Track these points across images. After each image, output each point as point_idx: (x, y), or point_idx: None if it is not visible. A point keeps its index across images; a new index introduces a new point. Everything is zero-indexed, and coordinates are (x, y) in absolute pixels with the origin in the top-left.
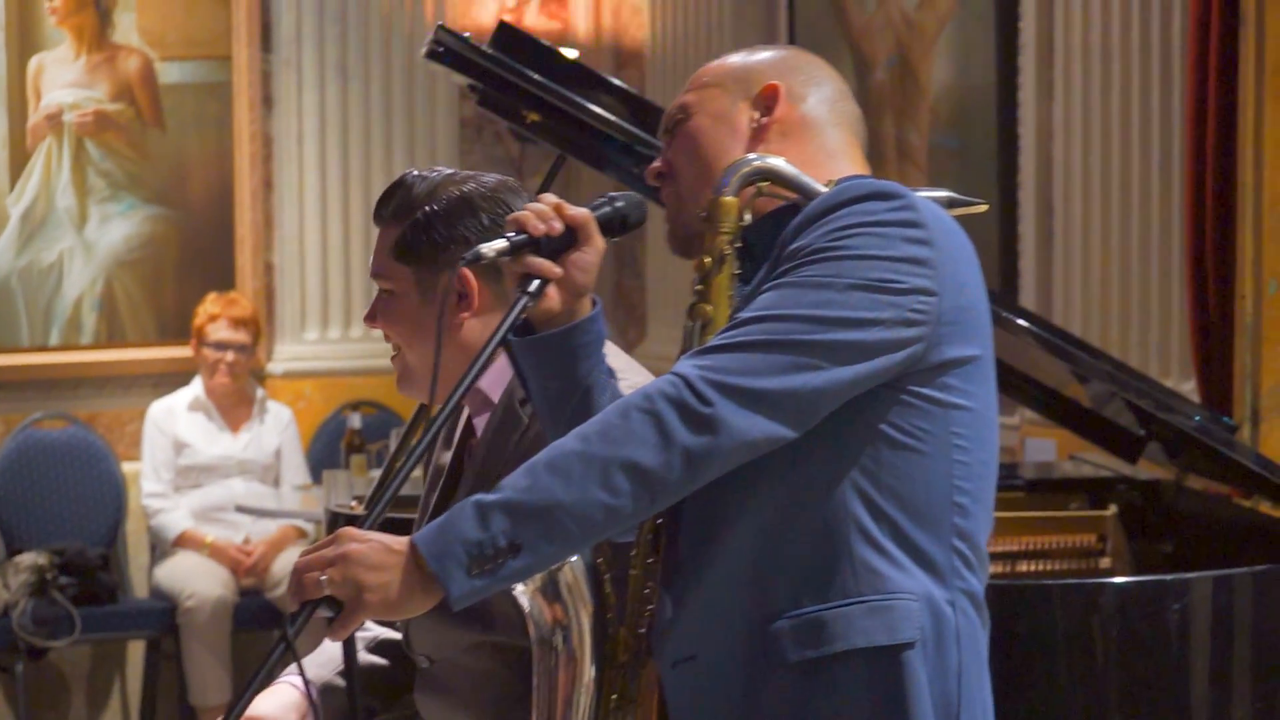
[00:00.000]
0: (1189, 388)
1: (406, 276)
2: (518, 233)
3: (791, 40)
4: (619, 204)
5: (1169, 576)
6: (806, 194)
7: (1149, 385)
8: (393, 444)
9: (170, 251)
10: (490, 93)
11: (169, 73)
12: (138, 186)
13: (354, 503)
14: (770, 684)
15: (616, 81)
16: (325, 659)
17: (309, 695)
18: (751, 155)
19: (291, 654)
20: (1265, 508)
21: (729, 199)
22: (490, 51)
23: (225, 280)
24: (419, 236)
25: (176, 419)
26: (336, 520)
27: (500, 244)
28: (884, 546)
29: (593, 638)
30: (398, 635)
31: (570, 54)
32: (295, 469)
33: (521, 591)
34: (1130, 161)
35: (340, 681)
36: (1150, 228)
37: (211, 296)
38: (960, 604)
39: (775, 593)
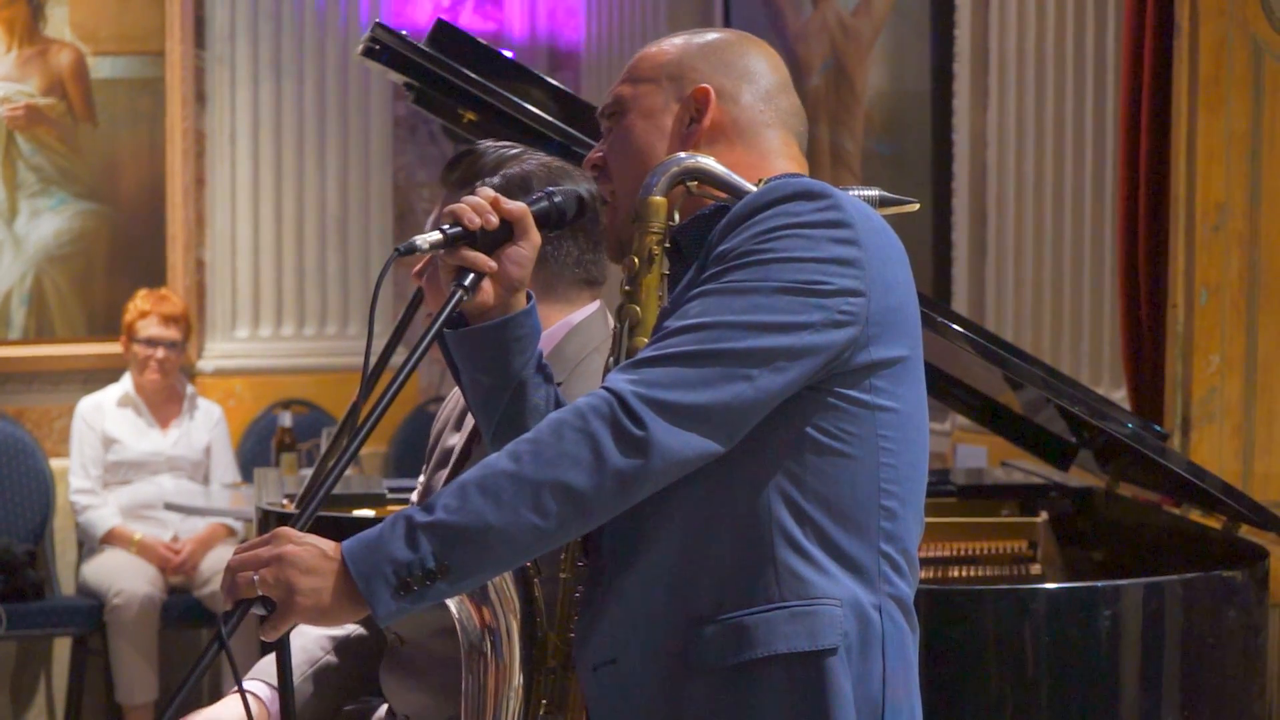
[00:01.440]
0: (1120, 395)
1: None
2: (453, 225)
3: None
4: (556, 199)
5: (1100, 583)
6: (736, 193)
7: (1081, 392)
8: (324, 443)
9: (101, 247)
10: (426, 91)
11: (101, 67)
12: (69, 181)
13: (285, 501)
14: (692, 689)
15: (553, 81)
16: (294, 661)
17: (244, 698)
18: (680, 154)
19: (225, 654)
20: (1196, 516)
21: (657, 199)
22: (427, 49)
23: (156, 277)
24: None
25: (105, 415)
26: (267, 518)
27: (435, 236)
28: (808, 551)
29: (522, 643)
30: (363, 632)
31: (505, 54)
32: (225, 467)
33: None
34: (1064, 169)
35: (308, 687)
36: (1083, 236)
37: (142, 293)
38: (887, 609)
39: (698, 597)
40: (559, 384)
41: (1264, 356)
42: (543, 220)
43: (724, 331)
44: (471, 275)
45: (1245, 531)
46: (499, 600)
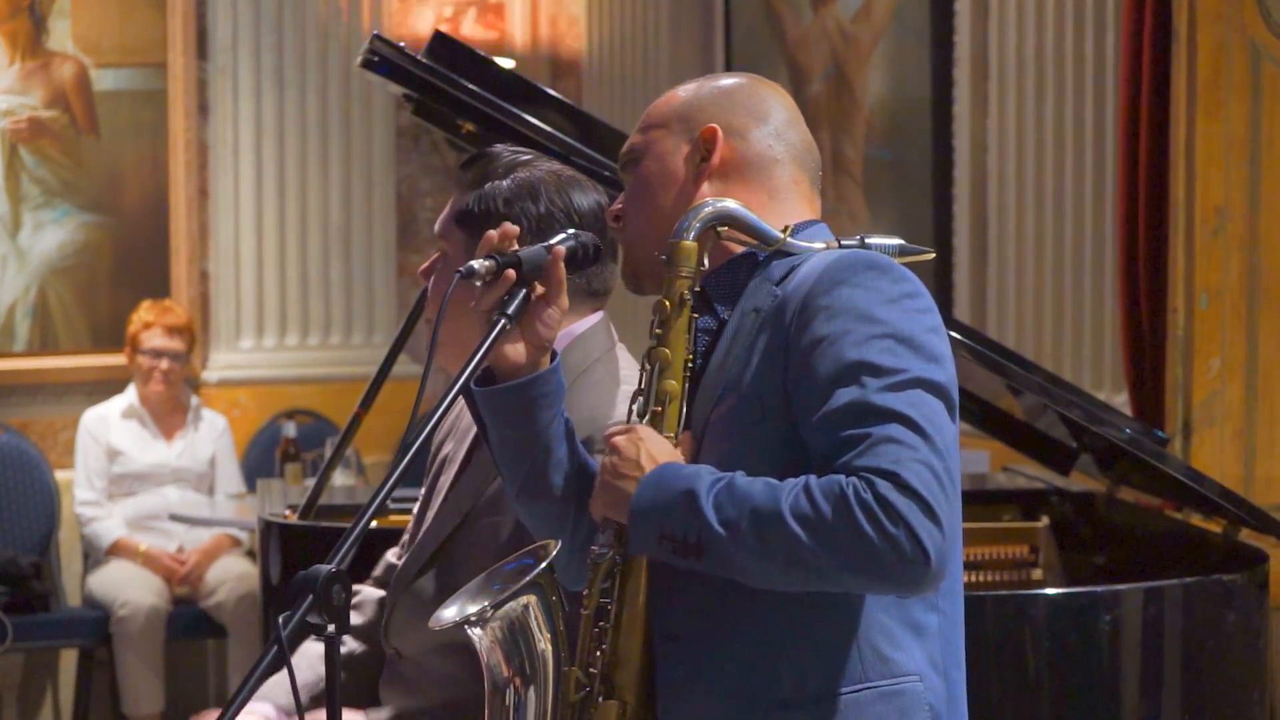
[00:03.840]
0: (1121, 400)
1: (459, 242)
2: (503, 254)
3: (728, 51)
4: (582, 239)
5: (1100, 588)
6: (764, 239)
7: (1081, 398)
8: (328, 452)
9: (104, 259)
10: (426, 102)
11: (104, 80)
12: (72, 193)
13: (288, 511)
14: None
15: (552, 92)
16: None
17: (298, 705)
18: (710, 200)
19: (282, 655)
20: (1196, 520)
21: (689, 243)
22: (425, 61)
23: (160, 288)
24: (480, 205)
25: (110, 427)
26: (270, 529)
27: (489, 262)
28: (888, 628)
29: (548, 678)
30: (364, 648)
31: (506, 64)
32: (229, 477)
33: (479, 636)
34: (1064, 175)
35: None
36: (1083, 241)
37: (146, 304)
38: (950, 657)
39: (780, 676)
40: None
41: (1264, 360)
42: (569, 257)
43: (940, 458)
44: (515, 304)
45: (1245, 535)
46: (529, 641)
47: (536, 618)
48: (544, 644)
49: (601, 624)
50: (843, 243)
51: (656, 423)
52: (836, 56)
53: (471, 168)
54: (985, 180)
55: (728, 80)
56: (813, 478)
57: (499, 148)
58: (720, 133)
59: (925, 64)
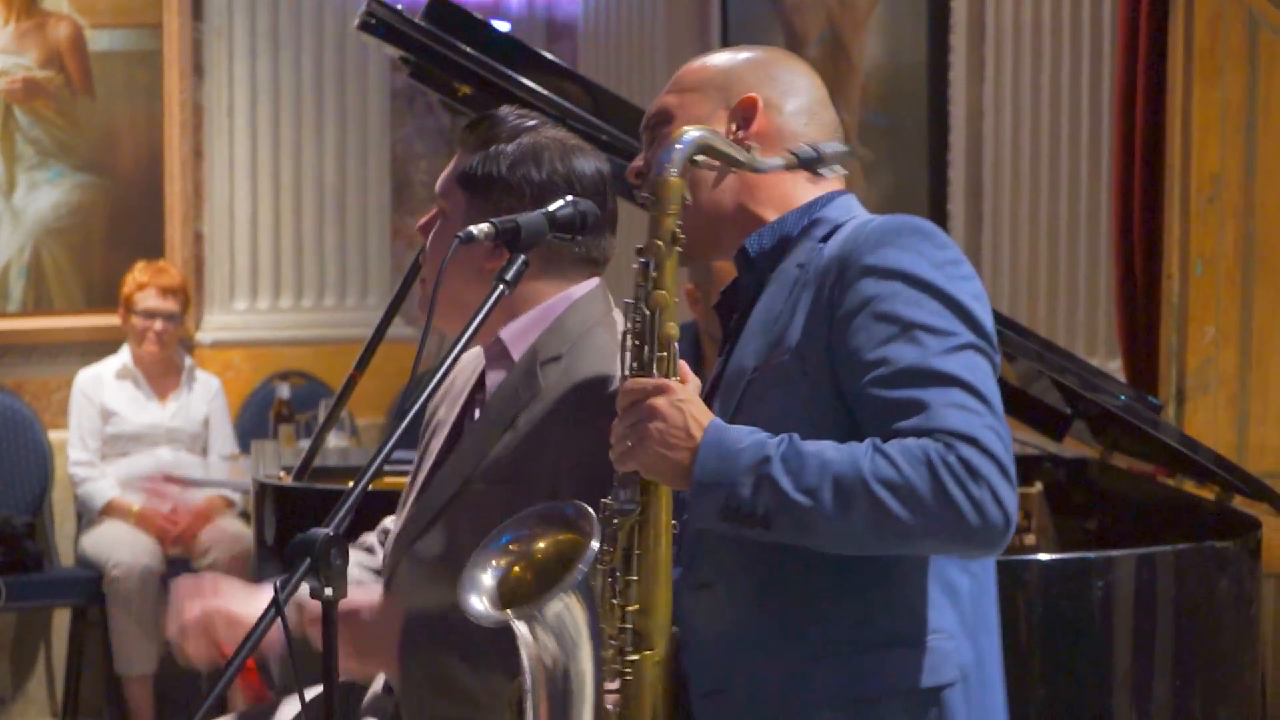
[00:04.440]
0: (1115, 367)
1: (460, 203)
2: (504, 221)
3: (724, 14)
4: (580, 205)
5: (1093, 554)
6: (735, 163)
7: (1075, 364)
8: (321, 414)
9: (99, 220)
10: (422, 65)
11: (99, 40)
12: (67, 154)
13: (282, 473)
14: None
15: (548, 55)
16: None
17: (290, 652)
18: (685, 129)
19: (281, 619)
20: (1189, 486)
21: (676, 179)
22: (423, 24)
23: (154, 249)
24: (483, 168)
25: (104, 387)
26: (264, 490)
27: (486, 227)
28: (920, 584)
29: (587, 661)
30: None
31: (502, 26)
32: (223, 438)
33: (522, 629)
34: (1060, 142)
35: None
36: (1079, 208)
37: (140, 265)
38: (985, 626)
39: (807, 631)
40: (558, 357)
41: (1259, 327)
42: (565, 224)
43: (999, 413)
44: (514, 269)
45: (1238, 502)
46: (569, 630)
47: (580, 602)
48: (586, 622)
49: (625, 576)
50: (800, 155)
51: (663, 368)
52: (832, 21)
53: (477, 128)
54: (981, 146)
55: (761, 53)
56: (880, 441)
57: (506, 111)
58: (760, 103)
59: (921, 29)
